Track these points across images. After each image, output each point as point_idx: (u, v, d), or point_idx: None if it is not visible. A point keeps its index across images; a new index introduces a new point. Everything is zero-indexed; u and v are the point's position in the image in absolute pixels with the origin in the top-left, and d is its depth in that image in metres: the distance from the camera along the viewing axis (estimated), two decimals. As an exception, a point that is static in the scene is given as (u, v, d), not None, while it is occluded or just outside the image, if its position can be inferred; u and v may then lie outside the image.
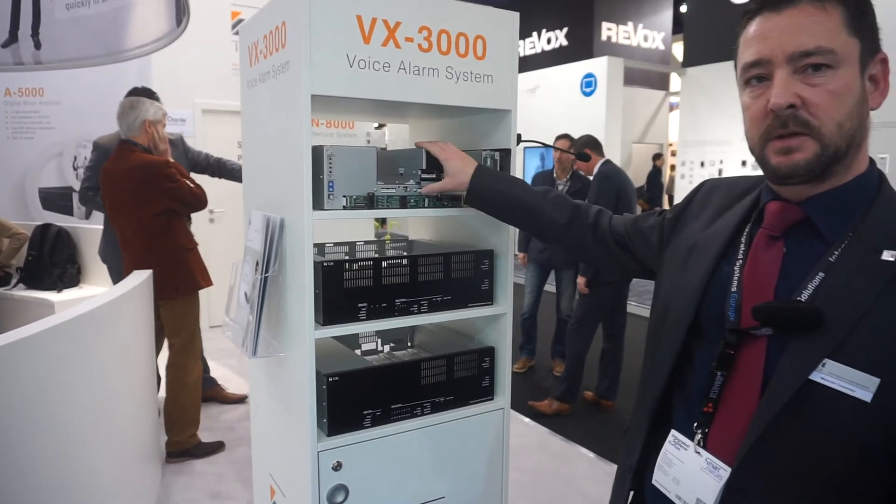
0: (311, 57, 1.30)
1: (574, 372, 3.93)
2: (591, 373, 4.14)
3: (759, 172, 0.93)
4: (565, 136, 4.52)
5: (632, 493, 1.06)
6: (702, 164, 9.19)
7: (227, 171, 3.85)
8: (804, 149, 0.82)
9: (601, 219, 1.27)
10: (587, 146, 4.05)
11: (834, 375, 0.77)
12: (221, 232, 5.30)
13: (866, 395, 0.74)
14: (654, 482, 0.96)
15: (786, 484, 0.81)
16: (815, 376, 0.78)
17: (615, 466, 1.11)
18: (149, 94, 3.41)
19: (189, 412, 3.10)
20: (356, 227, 4.49)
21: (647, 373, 1.05)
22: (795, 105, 0.81)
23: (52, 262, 4.53)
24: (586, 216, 1.28)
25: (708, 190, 1.10)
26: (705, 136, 9.08)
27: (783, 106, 0.81)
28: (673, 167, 11.53)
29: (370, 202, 1.44)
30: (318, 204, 1.38)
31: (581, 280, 3.86)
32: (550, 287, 4.78)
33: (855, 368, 0.75)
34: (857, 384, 0.75)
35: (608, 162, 4.02)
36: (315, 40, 1.30)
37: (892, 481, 0.77)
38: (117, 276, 3.46)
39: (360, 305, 1.45)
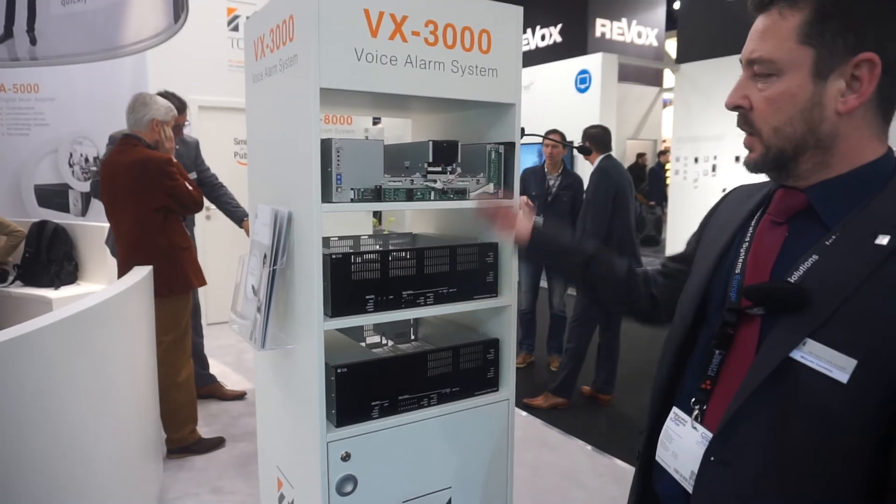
0: (320, 50, 1.31)
1: (572, 367, 3.93)
2: (589, 368, 4.15)
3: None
4: (555, 132, 4.49)
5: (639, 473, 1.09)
6: (696, 160, 9.21)
7: (222, 201, 3.85)
8: (754, 148, 0.91)
9: (651, 269, 1.31)
10: (590, 139, 3.97)
11: (813, 355, 0.78)
12: (218, 229, 5.28)
13: (843, 377, 0.75)
14: (657, 458, 1.00)
15: (760, 458, 0.83)
16: (796, 354, 0.80)
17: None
18: (179, 100, 3.46)
19: (184, 409, 3.09)
20: (354, 224, 4.49)
21: (658, 363, 1.07)
22: (743, 107, 0.90)
23: (49, 260, 4.51)
24: (638, 267, 1.33)
25: (736, 193, 1.13)
26: (699, 132, 9.09)
27: (729, 106, 0.92)
28: (660, 160, 11.52)
29: (377, 195, 1.45)
30: (326, 197, 1.39)
31: None
32: (543, 283, 4.80)
33: (834, 349, 0.77)
34: (834, 365, 0.76)
35: (609, 157, 3.93)
36: (324, 34, 1.31)
37: (873, 467, 0.76)
38: None
39: (367, 297, 1.47)
